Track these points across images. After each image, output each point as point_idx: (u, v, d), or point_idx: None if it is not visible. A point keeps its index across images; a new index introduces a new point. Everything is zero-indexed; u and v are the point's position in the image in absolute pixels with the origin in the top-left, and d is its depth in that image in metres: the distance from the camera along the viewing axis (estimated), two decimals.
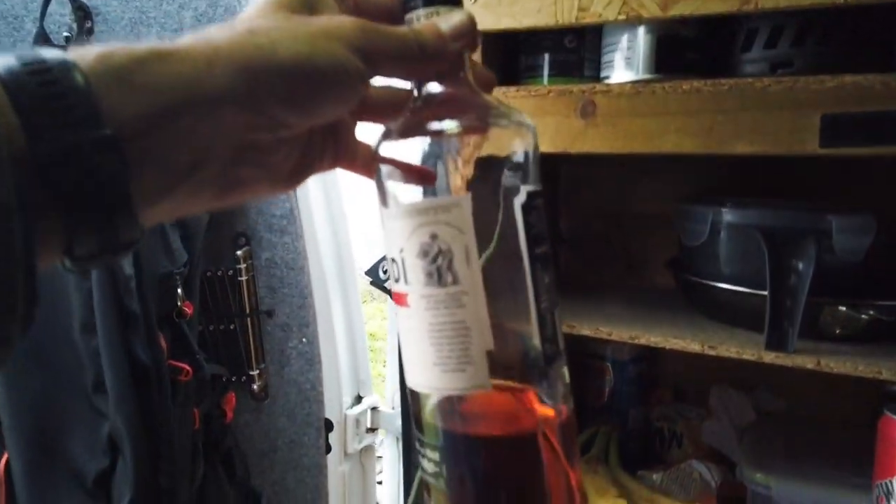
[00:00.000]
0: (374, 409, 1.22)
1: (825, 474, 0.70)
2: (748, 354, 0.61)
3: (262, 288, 1.08)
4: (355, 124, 0.35)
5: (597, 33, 0.66)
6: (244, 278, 1.06)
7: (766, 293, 0.60)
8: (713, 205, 0.67)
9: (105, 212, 0.24)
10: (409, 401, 0.33)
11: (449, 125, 0.31)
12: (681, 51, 0.59)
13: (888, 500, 0.58)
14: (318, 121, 0.29)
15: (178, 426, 0.88)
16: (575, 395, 0.34)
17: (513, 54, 0.70)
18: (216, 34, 0.27)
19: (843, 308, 0.59)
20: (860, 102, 0.51)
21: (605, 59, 0.63)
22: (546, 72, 0.67)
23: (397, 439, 1.20)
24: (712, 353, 0.63)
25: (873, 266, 0.65)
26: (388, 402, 1.23)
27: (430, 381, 0.31)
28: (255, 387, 1.09)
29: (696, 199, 0.71)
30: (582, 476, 0.34)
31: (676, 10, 0.55)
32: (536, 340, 0.32)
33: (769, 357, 0.61)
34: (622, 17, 0.57)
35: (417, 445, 0.33)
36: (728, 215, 0.66)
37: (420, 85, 0.33)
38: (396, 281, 0.32)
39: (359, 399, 1.22)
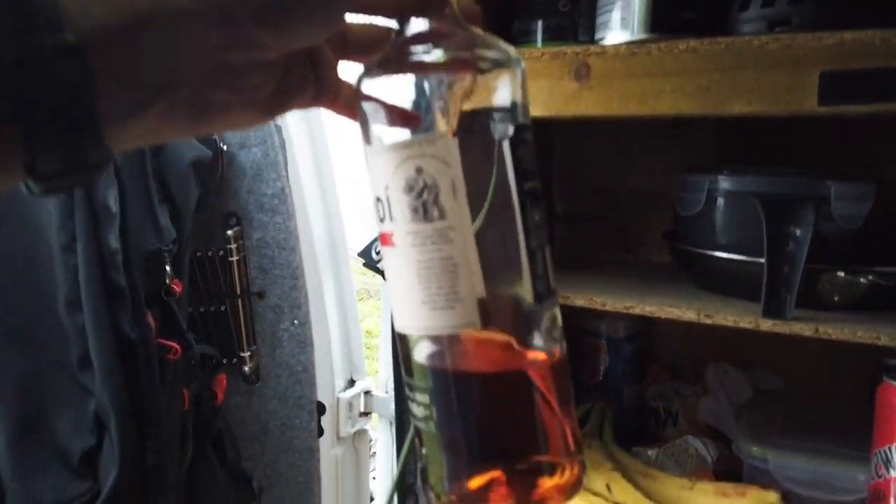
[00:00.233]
0: (367, 393, 1.21)
1: (823, 448, 0.69)
2: (745, 323, 0.60)
3: (253, 269, 1.07)
4: (337, 61, 0.34)
5: None
6: (235, 259, 1.05)
7: (762, 261, 0.59)
8: (710, 173, 0.66)
9: (68, 124, 0.23)
10: (398, 345, 0.32)
11: (433, 55, 0.30)
12: (677, 10, 0.58)
13: (887, 468, 0.57)
14: (294, 43, 0.28)
15: (167, 406, 0.86)
16: None
17: (507, 19, 0.69)
18: None
19: (842, 274, 0.58)
20: (859, 59, 0.50)
21: (600, 19, 0.62)
22: (540, 36, 0.65)
23: (391, 424, 1.19)
24: (708, 321, 0.62)
25: (872, 234, 0.64)
26: (381, 386, 1.22)
27: (419, 322, 0.30)
28: (246, 369, 1.08)
29: (692, 168, 0.70)
30: (576, 421, 0.33)
31: None
32: (527, 279, 0.31)
33: (766, 325, 0.60)
34: None
35: (407, 391, 0.32)
36: (725, 182, 0.65)
37: (403, 21, 0.32)
38: (382, 220, 0.31)
39: (352, 383, 1.21)
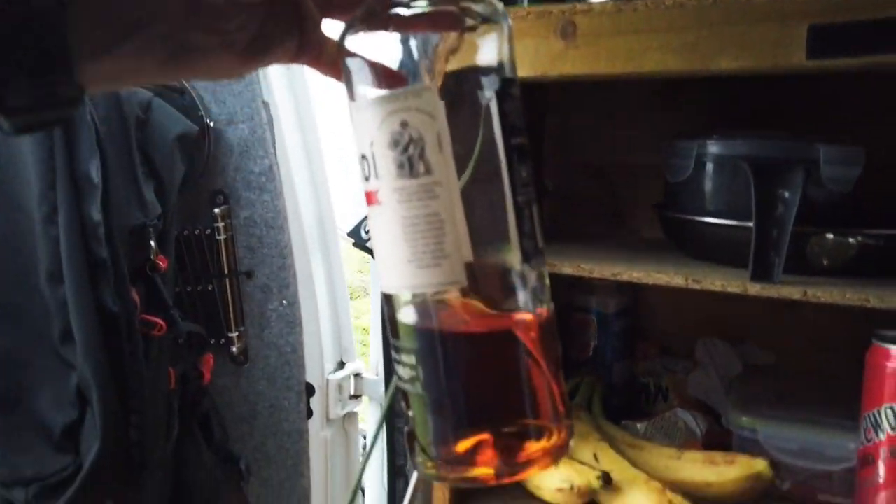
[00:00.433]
0: (357, 375, 1.20)
1: (813, 418, 0.68)
2: (733, 287, 0.60)
3: (240, 248, 1.06)
4: (321, 18, 0.34)
5: None
6: (222, 238, 1.04)
7: (751, 225, 0.58)
8: (698, 138, 0.65)
9: (39, 57, 0.22)
10: (384, 306, 0.32)
11: (417, 8, 0.29)
12: None
13: (875, 432, 0.56)
14: None
15: (152, 383, 0.85)
16: None
17: None
18: None
19: (831, 236, 0.58)
20: (848, 11, 0.49)
21: None
22: None
23: (380, 405, 1.18)
24: (696, 286, 0.61)
25: (862, 197, 0.63)
26: (372, 369, 1.21)
27: (405, 280, 0.30)
28: (234, 349, 1.07)
29: (681, 133, 0.69)
30: (564, 386, 0.33)
31: None
32: (514, 236, 0.30)
33: (755, 290, 0.59)
34: None
35: (393, 353, 0.32)
36: (714, 147, 0.64)
37: None
38: (367, 178, 0.30)
39: (342, 365, 1.20)
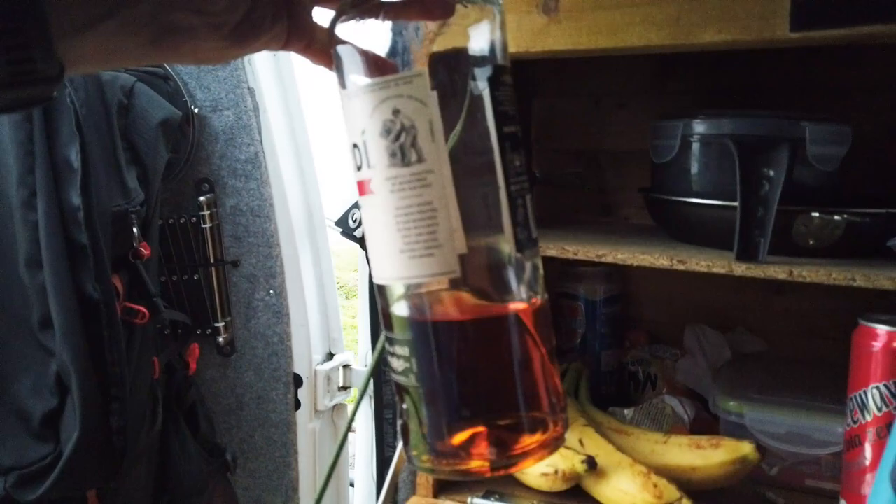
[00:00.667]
0: (346, 366, 1.19)
1: (800, 403, 0.67)
2: (718, 268, 0.59)
3: (227, 237, 1.05)
4: (312, 5, 0.33)
5: None
6: (208, 226, 1.03)
7: (737, 205, 0.57)
8: (684, 117, 0.64)
9: (16, 30, 0.21)
10: (377, 297, 0.32)
11: None
12: None
13: (862, 413, 0.55)
14: None
15: (135, 371, 0.84)
16: None
17: None
18: None
19: (817, 215, 0.57)
20: None
21: None
22: None
23: (370, 398, 1.17)
24: (681, 267, 0.60)
25: (849, 177, 0.62)
26: (361, 360, 1.20)
27: (398, 270, 0.29)
28: (220, 340, 1.06)
29: (666, 114, 0.68)
30: (559, 378, 0.32)
31: None
32: (508, 226, 0.30)
33: (740, 269, 0.58)
34: None
35: (387, 345, 0.31)
36: (699, 126, 0.63)
37: None
38: (359, 168, 0.30)
39: (330, 356, 1.19)
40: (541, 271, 0.32)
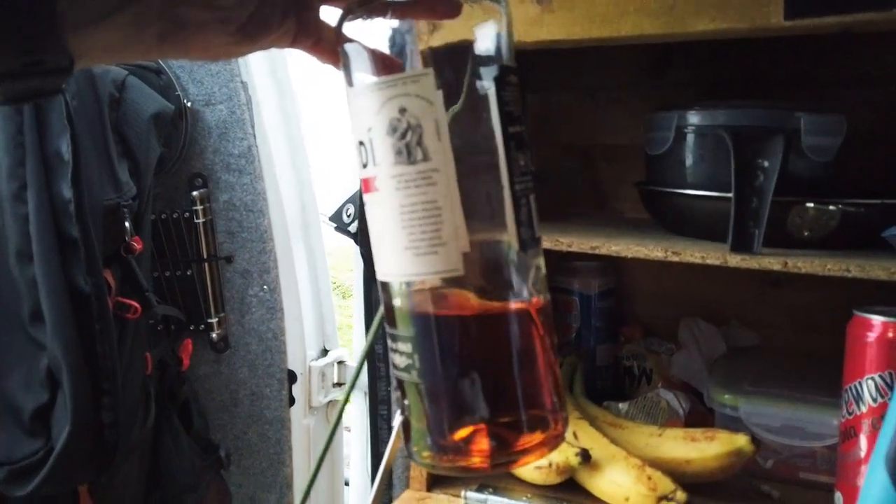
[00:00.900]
0: (340, 362, 1.19)
1: (795, 395, 0.67)
2: (713, 259, 0.58)
3: (220, 232, 1.04)
4: (320, 3, 0.33)
5: None
6: (201, 221, 1.02)
7: (731, 196, 0.57)
8: (678, 109, 0.64)
9: (26, 21, 0.21)
10: (380, 294, 0.32)
11: None
12: None
13: (857, 404, 0.55)
14: None
15: (127, 366, 0.84)
16: None
17: None
18: None
19: (812, 206, 0.56)
20: None
21: None
22: None
23: (365, 394, 1.17)
24: (676, 259, 0.60)
25: (843, 172, 0.62)
26: (355, 356, 1.20)
27: (402, 268, 0.30)
28: (214, 336, 1.05)
29: (660, 106, 0.68)
30: (560, 376, 0.32)
31: None
32: (512, 226, 0.30)
33: (734, 261, 0.58)
34: None
35: (390, 342, 0.32)
36: (694, 117, 0.63)
37: None
38: (365, 165, 0.30)
39: (325, 352, 1.18)
40: (543, 271, 0.32)
